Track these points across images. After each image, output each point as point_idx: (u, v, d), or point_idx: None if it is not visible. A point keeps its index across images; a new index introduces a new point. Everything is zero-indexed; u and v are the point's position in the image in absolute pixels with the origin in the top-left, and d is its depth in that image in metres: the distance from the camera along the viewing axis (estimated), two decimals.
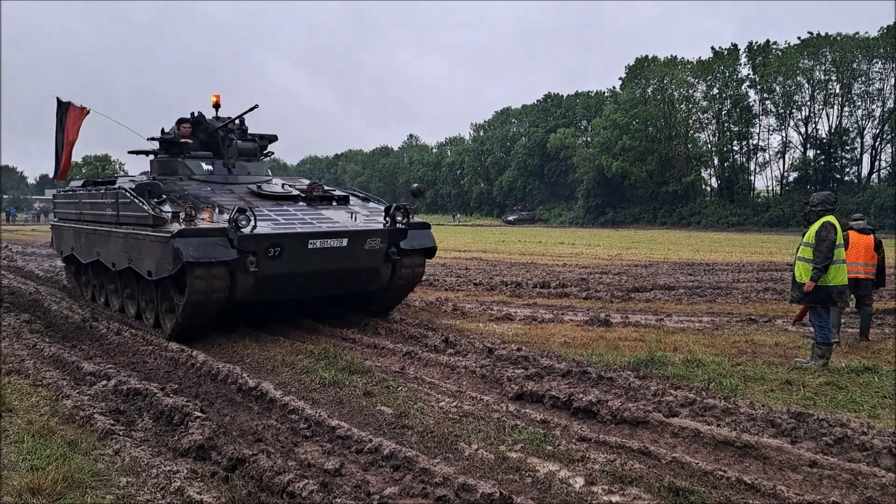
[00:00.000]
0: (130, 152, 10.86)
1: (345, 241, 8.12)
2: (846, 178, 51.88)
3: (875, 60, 49.72)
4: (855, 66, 50.27)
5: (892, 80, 49.19)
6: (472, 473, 4.23)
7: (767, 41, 54.60)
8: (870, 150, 51.12)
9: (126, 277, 9.28)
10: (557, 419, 5.31)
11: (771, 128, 55.94)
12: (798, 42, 52.38)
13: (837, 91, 51.65)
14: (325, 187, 9.72)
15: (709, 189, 60.18)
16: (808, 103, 53.09)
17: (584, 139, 71.27)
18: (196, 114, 10.26)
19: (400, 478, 4.12)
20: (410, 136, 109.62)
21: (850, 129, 51.68)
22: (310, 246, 7.86)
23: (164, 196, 8.24)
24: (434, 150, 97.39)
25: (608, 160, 60.22)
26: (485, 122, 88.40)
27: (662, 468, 4.36)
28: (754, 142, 56.68)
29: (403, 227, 8.83)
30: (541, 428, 5.12)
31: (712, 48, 57.29)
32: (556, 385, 6.09)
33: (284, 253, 7.74)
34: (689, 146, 58.69)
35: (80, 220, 10.45)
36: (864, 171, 51.73)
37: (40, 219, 63.97)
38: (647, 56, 61.78)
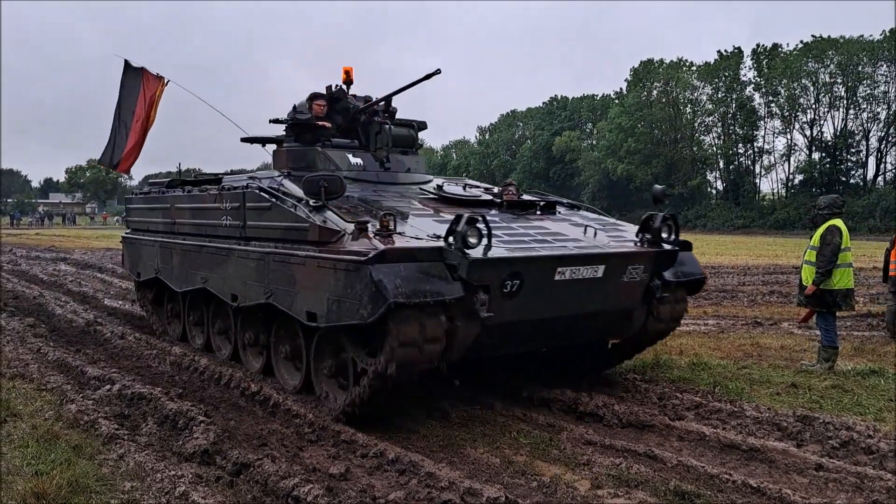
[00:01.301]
0: (244, 139, 8.25)
1: (600, 270, 5.39)
2: (852, 180, 51.68)
3: (880, 63, 49.56)
4: (860, 68, 50.13)
5: None
6: (478, 477, 4.22)
7: (775, 45, 54.54)
8: (875, 153, 50.95)
9: (250, 315, 6.67)
10: (563, 423, 5.30)
11: (776, 131, 55.88)
12: (802, 45, 52.31)
13: (842, 94, 51.51)
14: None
15: (714, 192, 60.11)
16: (814, 106, 52.96)
17: (590, 142, 71.24)
18: (335, 87, 7.63)
19: (405, 482, 4.11)
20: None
21: (856, 132, 51.50)
22: (556, 277, 5.16)
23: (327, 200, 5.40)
24: (439, 153, 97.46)
25: (614, 163, 60.18)
26: (490, 124, 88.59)
27: (668, 472, 4.34)
28: (759, 145, 56.63)
29: (673, 248, 6.02)
30: (546, 432, 5.12)
31: (718, 52, 57.32)
32: (562, 389, 6.08)
33: (524, 287, 5.01)
34: (695, 149, 58.63)
35: (173, 233, 7.82)
36: (870, 174, 51.60)
37: (44, 222, 64.27)
38: (651, 59, 61.82)
